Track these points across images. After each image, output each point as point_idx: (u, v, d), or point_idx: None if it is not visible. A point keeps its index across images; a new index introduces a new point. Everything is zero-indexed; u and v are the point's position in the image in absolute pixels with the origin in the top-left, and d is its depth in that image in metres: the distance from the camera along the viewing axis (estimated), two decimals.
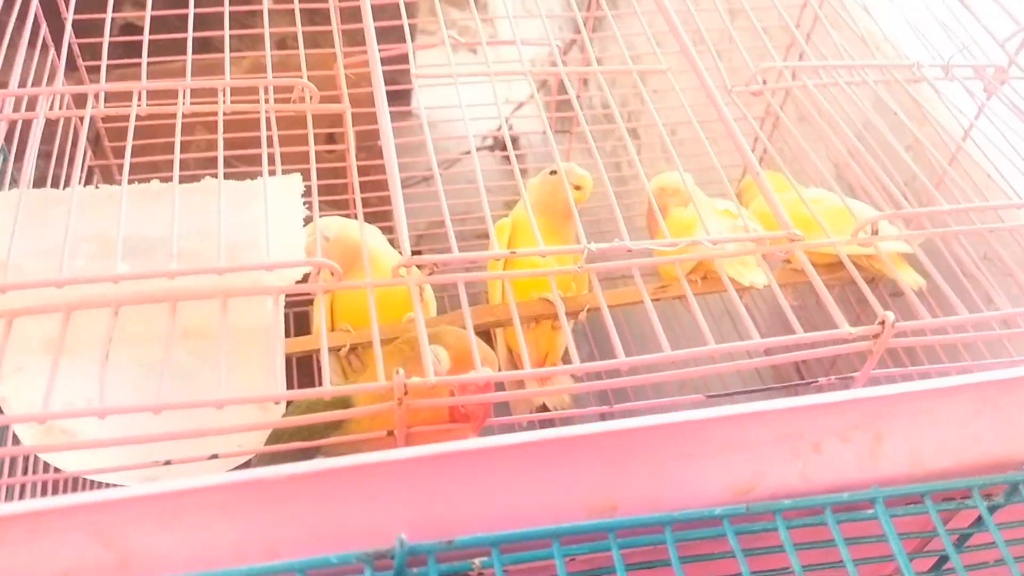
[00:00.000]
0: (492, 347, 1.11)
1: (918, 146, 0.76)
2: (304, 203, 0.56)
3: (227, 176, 0.54)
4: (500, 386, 0.99)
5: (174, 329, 0.46)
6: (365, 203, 1.09)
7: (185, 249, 0.51)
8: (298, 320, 1.05)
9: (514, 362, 0.96)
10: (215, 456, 0.46)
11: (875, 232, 0.56)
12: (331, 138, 0.94)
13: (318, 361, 1.07)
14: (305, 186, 0.57)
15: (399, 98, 1.25)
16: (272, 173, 0.55)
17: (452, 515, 0.40)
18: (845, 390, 0.44)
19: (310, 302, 0.99)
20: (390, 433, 0.47)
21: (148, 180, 0.56)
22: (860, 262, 0.95)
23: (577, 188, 0.93)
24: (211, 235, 0.51)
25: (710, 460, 0.42)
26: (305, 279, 0.52)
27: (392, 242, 0.94)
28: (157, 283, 0.47)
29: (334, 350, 0.88)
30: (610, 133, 1.55)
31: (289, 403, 0.54)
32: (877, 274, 0.91)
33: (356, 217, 0.96)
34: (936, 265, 0.86)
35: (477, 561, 0.39)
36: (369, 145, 1.00)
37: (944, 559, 0.50)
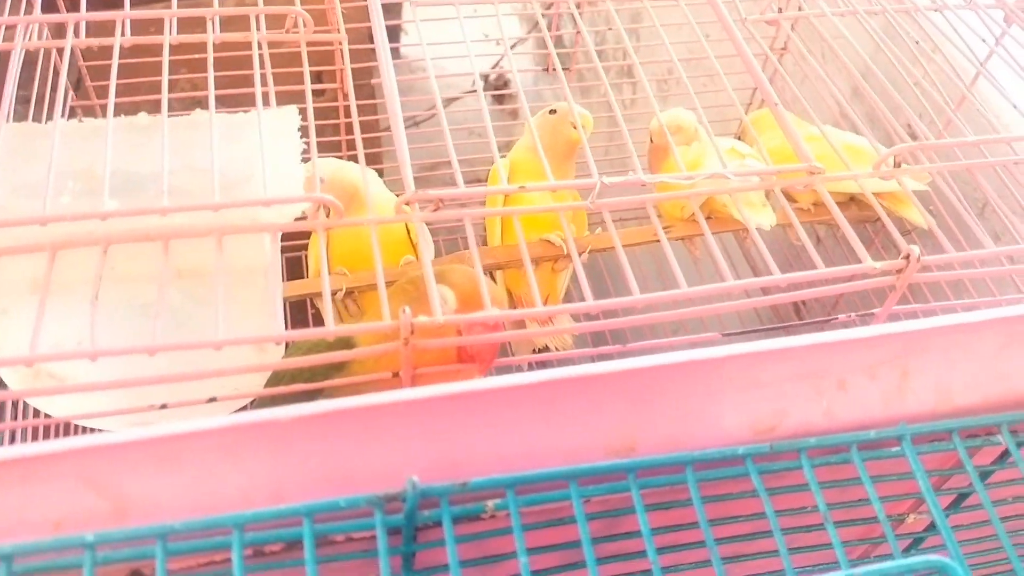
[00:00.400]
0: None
1: (928, 81, 0.74)
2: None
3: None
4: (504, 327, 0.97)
5: (167, 269, 0.43)
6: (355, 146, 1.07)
7: (176, 186, 0.48)
8: (290, 266, 1.03)
9: (514, 305, 0.94)
10: (213, 399, 0.45)
11: (897, 165, 0.53)
12: (319, 78, 0.91)
13: (313, 306, 1.06)
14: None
15: (388, 36, 1.21)
16: (266, 107, 0.52)
17: (465, 457, 0.38)
18: (868, 327, 0.43)
19: (303, 247, 0.97)
20: (395, 375, 0.45)
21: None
22: (867, 199, 0.93)
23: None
24: (203, 171, 0.48)
25: (732, 398, 0.40)
26: (303, 220, 0.50)
27: (386, 185, 0.91)
28: (148, 221, 0.45)
29: (331, 293, 0.85)
30: (606, 75, 1.51)
31: (288, 346, 0.52)
32: (890, 213, 0.89)
33: (351, 158, 0.94)
34: (945, 204, 0.85)
35: (491, 503, 0.37)
36: (359, 85, 0.97)
37: (962, 497, 0.49)
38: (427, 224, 0.91)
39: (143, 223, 0.45)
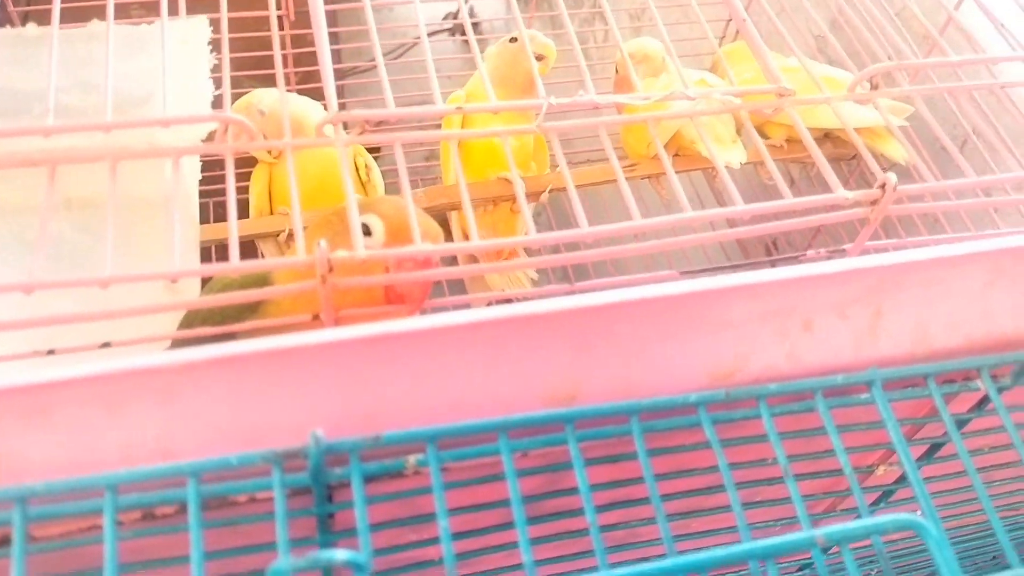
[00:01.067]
0: (448, 234, 1.04)
1: (910, 12, 0.69)
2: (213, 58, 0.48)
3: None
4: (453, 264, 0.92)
5: (54, 198, 0.38)
6: (301, 80, 1.00)
7: (66, 104, 0.43)
8: (241, 208, 0.97)
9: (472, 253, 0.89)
10: (107, 345, 0.40)
11: (875, 87, 0.49)
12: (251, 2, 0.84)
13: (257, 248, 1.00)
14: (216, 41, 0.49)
15: None
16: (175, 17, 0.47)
17: (382, 408, 0.34)
18: (838, 260, 0.38)
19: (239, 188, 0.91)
20: (315, 317, 0.41)
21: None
22: (842, 136, 0.89)
23: (539, 58, 0.85)
24: (98, 88, 0.43)
25: (685, 341, 0.36)
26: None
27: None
28: (32, 143, 0.39)
29: (272, 235, 0.80)
30: (574, 16, 1.45)
31: (205, 285, 0.47)
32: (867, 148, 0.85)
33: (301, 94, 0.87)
34: (924, 141, 0.80)
35: (412, 459, 0.33)
36: (301, 12, 0.90)
37: (936, 447, 0.45)
38: (370, 153, 0.85)
39: (26, 146, 0.39)
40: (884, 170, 0.71)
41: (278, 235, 0.80)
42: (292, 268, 0.37)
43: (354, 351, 0.33)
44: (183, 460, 0.31)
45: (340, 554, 0.26)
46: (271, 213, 0.83)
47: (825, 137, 0.89)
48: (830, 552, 0.34)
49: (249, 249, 0.98)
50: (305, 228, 0.81)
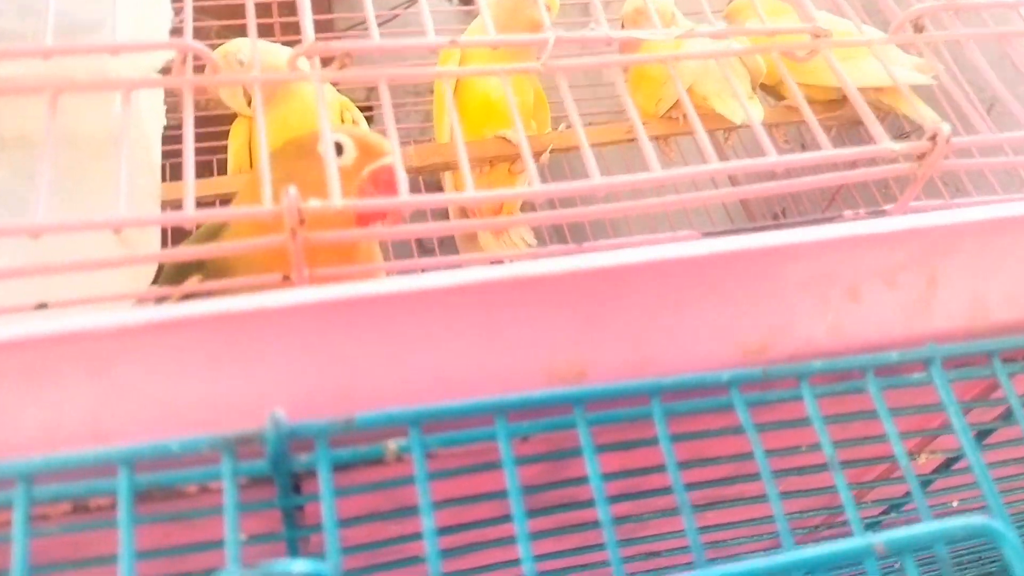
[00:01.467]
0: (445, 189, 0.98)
1: None
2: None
3: None
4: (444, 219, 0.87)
5: None
6: (288, 32, 0.93)
7: (2, 29, 0.37)
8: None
9: (466, 212, 0.83)
10: (43, 306, 0.34)
11: (920, 30, 0.43)
12: None
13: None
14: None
15: None
16: None
17: (356, 385, 0.29)
18: (887, 219, 0.33)
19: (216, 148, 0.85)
20: (286, 278, 0.35)
21: None
22: (867, 96, 0.83)
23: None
24: (38, 12, 0.37)
25: (713, 310, 0.31)
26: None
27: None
28: None
29: None
30: None
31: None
32: (887, 111, 0.80)
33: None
34: (952, 106, 0.75)
35: (393, 444, 0.28)
36: None
37: (985, 433, 0.40)
38: (362, 114, 0.79)
39: None
40: (905, 135, 0.65)
41: None
42: (256, 219, 0.32)
43: (322, 316, 0.28)
44: (117, 444, 0.26)
45: (298, 566, 0.21)
46: (251, 167, 0.77)
47: (844, 100, 0.83)
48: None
49: None
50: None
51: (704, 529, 0.41)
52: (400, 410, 0.27)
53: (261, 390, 0.28)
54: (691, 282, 0.30)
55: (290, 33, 0.91)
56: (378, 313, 0.28)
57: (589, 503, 0.29)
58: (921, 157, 0.38)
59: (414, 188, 0.99)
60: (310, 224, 0.33)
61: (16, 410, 0.26)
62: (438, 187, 1.00)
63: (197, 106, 0.39)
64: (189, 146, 0.33)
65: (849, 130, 0.89)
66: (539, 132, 0.82)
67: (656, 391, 0.28)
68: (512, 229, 0.82)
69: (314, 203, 0.32)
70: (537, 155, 0.77)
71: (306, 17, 0.36)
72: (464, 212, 0.82)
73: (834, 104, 0.79)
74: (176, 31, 0.38)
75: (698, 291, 0.31)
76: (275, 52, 0.73)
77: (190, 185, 0.32)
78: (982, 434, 0.40)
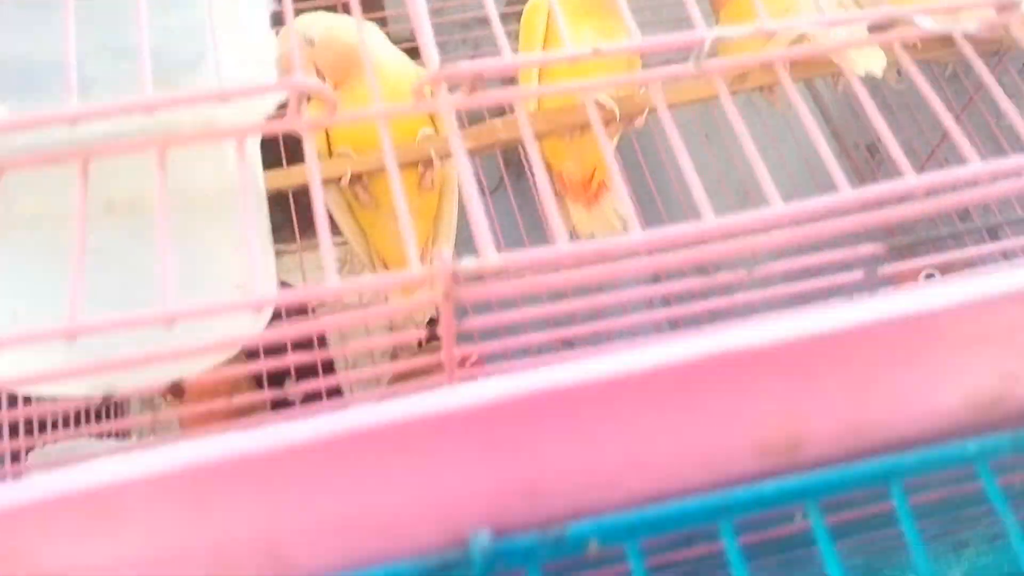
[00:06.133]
0: (522, 169, 0.94)
1: None
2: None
3: None
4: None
5: (88, 202, 0.30)
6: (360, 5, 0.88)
7: (92, 77, 0.34)
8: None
9: (555, 183, 0.79)
10: (178, 391, 0.32)
11: None
12: None
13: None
14: None
15: None
16: None
17: (544, 480, 0.25)
18: None
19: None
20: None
21: None
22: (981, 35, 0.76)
23: None
24: (130, 53, 0.33)
25: (939, 361, 0.27)
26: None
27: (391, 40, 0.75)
28: (56, 133, 0.31)
29: (334, 181, 0.71)
30: None
31: None
32: (1003, 47, 0.73)
33: (344, 10, 0.76)
34: None
35: (593, 543, 0.25)
36: None
37: None
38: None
39: (49, 137, 0.31)
40: None
41: (339, 180, 0.72)
42: (407, 284, 0.29)
43: (510, 414, 0.24)
44: (294, 570, 0.23)
45: None
46: (329, 156, 0.74)
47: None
48: None
49: (305, 196, 0.90)
50: (363, 175, 0.71)
51: None
52: (615, 518, 0.23)
53: (445, 499, 0.25)
54: (918, 336, 0.26)
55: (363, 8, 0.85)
56: (566, 403, 0.25)
57: None
58: None
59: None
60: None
61: (183, 535, 0.24)
62: (516, 158, 0.95)
63: None
64: (319, 205, 0.30)
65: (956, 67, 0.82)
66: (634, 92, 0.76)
67: (894, 474, 0.25)
68: (605, 201, 0.77)
69: (468, 262, 0.28)
70: (632, 117, 0.72)
71: (426, 38, 0.32)
72: (556, 184, 0.77)
73: (946, 41, 0.72)
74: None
75: (922, 343, 0.26)
76: (347, 25, 0.69)
77: (328, 253, 0.29)
78: None
